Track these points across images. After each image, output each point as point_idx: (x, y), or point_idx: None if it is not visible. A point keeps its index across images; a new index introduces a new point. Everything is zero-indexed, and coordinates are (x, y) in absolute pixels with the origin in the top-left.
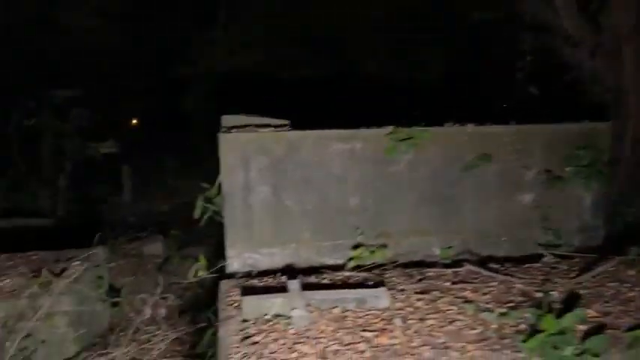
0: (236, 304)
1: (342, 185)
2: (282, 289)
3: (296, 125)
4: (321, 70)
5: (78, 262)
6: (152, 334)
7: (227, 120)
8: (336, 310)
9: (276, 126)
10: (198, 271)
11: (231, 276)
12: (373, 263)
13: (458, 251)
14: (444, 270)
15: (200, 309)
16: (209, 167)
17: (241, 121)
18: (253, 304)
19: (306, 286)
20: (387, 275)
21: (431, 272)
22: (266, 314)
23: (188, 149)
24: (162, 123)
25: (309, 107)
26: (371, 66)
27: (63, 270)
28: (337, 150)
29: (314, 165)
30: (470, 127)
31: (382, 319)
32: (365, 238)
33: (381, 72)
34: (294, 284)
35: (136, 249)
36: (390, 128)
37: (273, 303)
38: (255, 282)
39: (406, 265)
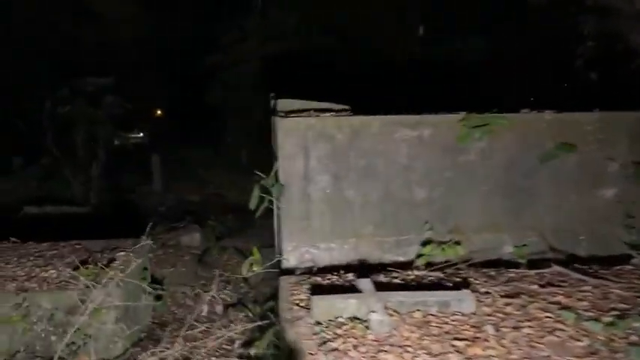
0: (302, 304)
1: (408, 175)
2: (352, 288)
3: (354, 111)
4: (354, 56)
5: (124, 253)
6: (200, 330)
7: (283, 104)
8: (417, 314)
9: (336, 111)
10: (253, 265)
11: (290, 272)
12: (446, 261)
13: (533, 249)
14: (527, 271)
15: (247, 305)
16: (236, 157)
17: (298, 106)
18: (325, 305)
19: (379, 286)
20: (463, 275)
21: (512, 273)
22: (339, 316)
23: (215, 140)
24: (190, 113)
25: (353, 93)
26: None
27: (110, 260)
28: (403, 137)
29: (378, 153)
30: (548, 114)
31: (471, 326)
32: (432, 234)
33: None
34: (365, 284)
35: (174, 239)
36: (461, 114)
37: (347, 304)
38: (318, 279)
39: (482, 264)
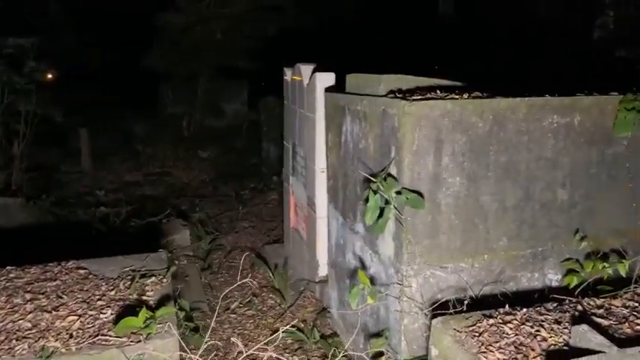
0: None
1: (552, 173)
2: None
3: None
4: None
5: (153, 279)
6: None
7: (387, 82)
8: None
9: (467, 91)
10: (369, 297)
11: (440, 312)
12: (588, 282)
13: None
14: None
15: (305, 333)
16: (178, 129)
17: (406, 83)
18: None
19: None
20: None
21: None
22: None
23: (153, 110)
24: (125, 79)
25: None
26: None
27: (140, 293)
28: (552, 125)
29: (521, 146)
30: None
31: None
32: (571, 244)
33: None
34: (593, 335)
35: (161, 239)
36: (614, 95)
37: None
38: (491, 322)
39: None
